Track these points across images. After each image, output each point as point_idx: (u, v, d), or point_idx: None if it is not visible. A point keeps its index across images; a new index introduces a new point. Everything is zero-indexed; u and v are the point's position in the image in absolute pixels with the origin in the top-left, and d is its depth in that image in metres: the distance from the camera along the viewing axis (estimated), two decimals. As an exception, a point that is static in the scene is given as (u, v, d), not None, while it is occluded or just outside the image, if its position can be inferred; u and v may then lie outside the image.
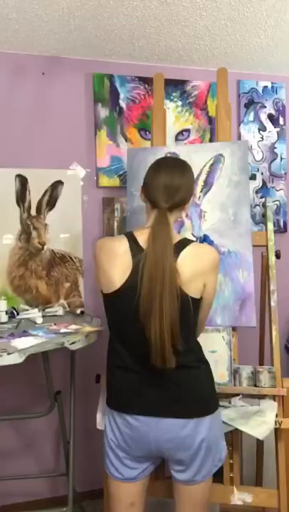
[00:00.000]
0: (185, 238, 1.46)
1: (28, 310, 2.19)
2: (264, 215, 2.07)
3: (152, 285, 1.30)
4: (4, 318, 2.01)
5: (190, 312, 1.39)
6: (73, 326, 1.87)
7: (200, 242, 1.92)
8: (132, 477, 1.48)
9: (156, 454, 1.46)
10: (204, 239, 1.93)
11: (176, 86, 2.52)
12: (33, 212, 2.31)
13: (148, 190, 1.45)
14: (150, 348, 1.32)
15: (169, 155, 2.00)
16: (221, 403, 1.78)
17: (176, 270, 1.32)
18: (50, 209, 2.34)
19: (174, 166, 1.48)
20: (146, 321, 1.31)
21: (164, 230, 1.36)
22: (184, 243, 1.41)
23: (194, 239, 1.93)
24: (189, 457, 1.41)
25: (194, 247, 1.42)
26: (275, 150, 2.69)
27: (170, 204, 1.40)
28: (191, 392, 1.42)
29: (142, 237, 1.39)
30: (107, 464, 1.50)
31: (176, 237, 1.42)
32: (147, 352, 1.34)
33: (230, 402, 1.80)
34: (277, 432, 1.80)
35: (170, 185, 1.41)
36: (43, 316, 2.08)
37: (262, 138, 2.67)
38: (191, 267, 1.37)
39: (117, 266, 1.38)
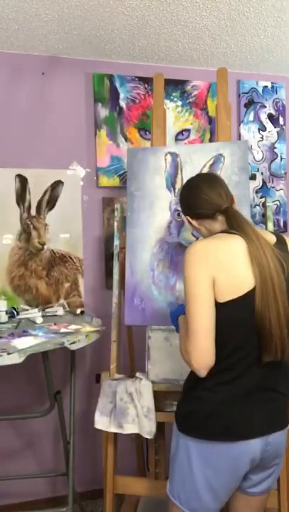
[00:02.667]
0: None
1: (28, 310, 2.19)
2: (264, 215, 2.07)
3: (269, 282, 1.26)
4: (4, 318, 2.01)
5: None
6: (73, 326, 1.87)
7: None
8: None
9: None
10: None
11: (176, 86, 2.52)
12: (33, 212, 2.32)
13: (197, 213, 1.43)
14: (269, 341, 1.26)
15: (169, 155, 2.00)
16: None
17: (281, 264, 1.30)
18: (50, 209, 2.34)
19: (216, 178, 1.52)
20: (264, 317, 1.25)
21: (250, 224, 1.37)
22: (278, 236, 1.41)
23: (194, 239, 1.93)
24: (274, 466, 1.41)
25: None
26: (275, 150, 2.69)
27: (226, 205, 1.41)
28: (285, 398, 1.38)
29: (237, 233, 1.35)
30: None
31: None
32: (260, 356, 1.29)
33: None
34: (277, 431, 1.80)
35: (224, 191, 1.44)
36: (43, 316, 2.08)
37: (262, 138, 2.67)
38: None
39: (242, 265, 1.29)
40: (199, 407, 1.31)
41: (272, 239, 1.38)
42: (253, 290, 1.25)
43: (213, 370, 1.25)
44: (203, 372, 1.25)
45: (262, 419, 1.30)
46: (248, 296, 1.25)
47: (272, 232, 1.43)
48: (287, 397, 1.37)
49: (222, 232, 1.37)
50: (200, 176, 1.56)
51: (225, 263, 1.26)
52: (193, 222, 1.45)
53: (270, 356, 1.27)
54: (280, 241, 1.38)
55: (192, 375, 1.32)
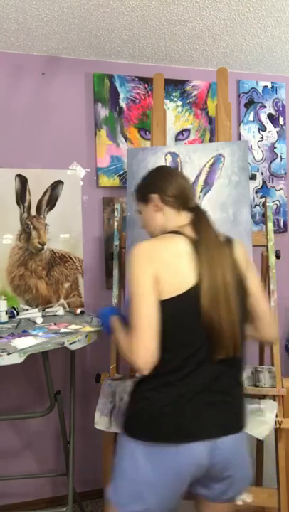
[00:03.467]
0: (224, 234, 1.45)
1: (28, 310, 2.19)
2: (264, 215, 2.07)
3: (218, 281, 1.26)
4: (4, 318, 2.01)
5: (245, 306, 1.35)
6: (73, 326, 1.87)
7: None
8: None
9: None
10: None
11: (176, 86, 2.52)
12: (33, 212, 2.32)
13: (168, 195, 1.40)
14: (219, 339, 1.24)
15: (169, 155, 2.00)
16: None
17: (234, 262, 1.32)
18: (50, 209, 2.34)
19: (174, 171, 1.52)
20: (213, 315, 1.24)
21: (208, 222, 1.38)
22: (228, 238, 1.41)
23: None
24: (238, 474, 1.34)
25: (236, 241, 1.43)
26: (275, 150, 2.69)
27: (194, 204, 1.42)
28: (241, 399, 1.35)
29: (188, 232, 1.35)
30: None
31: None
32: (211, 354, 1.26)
33: (230, 402, 1.79)
34: (277, 431, 1.80)
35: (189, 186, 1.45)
36: (43, 316, 2.08)
37: (262, 138, 2.67)
38: (242, 258, 1.37)
39: (184, 263, 1.28)
40: (144, 409, 1.26)
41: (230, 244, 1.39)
42: (196, 288, 1.23)
43: (159, 369, 1.22)
44: (146, 372, 1.21)
45: (210, 421, 1.25)
46: (191, 293, 1.23)
47: (228, 238, 1.42)
48: (242, 402, 1.33)
49: (170, 232, 1.34)
50: (171, 167, 1.57)
51: (169, 262, 1.25)
52: (155, 208, 1.40)
53: (222, 353, 1.24)
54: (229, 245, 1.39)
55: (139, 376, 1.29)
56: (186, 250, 1.27)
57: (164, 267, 1.24)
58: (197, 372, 1.24)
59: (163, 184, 1.40)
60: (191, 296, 1.23)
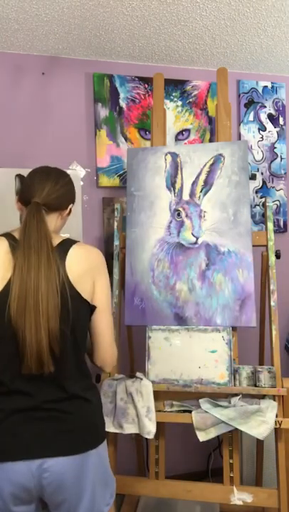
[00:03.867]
0: (68, 238, 1.34)
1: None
2: (264, 215, 2.07)
3: (23, 287, 1.17)
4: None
5: (82, 316, 1.25)
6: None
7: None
8: None
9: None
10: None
11: (176, 86, 2.52)
12: (33, 212, 2.31)
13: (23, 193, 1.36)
14: (24, 354, 1.15)
15: (169, 155, 2.00)
16: (220, 403, 1.79)
17: (59, 269, 1.21)
18: (50, 209, 2.34)
19: (47, 170, 1.45)
20: (19, 324, 1.16)
21: (39, 224, 1.25)
22: (70, 241, 1.31)
23: (194, 239, 1.93)
24: (76, 498, 1.22)
25: (80, 246, 1.31)
26: (275, 150, 2.69)
27: (44, 200, 1.30)
28: (84, 419, 1.23)
29: (18, 234, 1.28)
30: None
31: (57, 236, 1.33)
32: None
33: (230, 402, 1.80)
34: (277, 431, 1.80)
35: (45, 180, 1.34)
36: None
37: (262, 138, 2.67)
38: (80, 267, 1.26)
39: None
40: None
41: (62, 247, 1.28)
42: (3, 294, 1.17)
43: None
44: None
45: (30, 439, 1.16)
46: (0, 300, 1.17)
47: (66, 240, 1.32)
48: (78, 419, 1.21)
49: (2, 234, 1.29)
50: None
51: None
52: (18, 208, 1.38)
53: (25, 369, 1.16)
54: (63, 248, 1.28)
55: None
56: (3, 253, 1.21)
57: None
58: (15, 387, 1.18)
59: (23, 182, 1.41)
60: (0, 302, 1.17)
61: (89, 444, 1.22)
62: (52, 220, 1.35)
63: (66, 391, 1.21)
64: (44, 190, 1.32)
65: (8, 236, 1.27)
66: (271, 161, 2.69)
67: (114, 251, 2.03)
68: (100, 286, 1.29)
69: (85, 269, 1.26)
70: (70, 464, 1.17)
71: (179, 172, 1.98)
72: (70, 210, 1.43)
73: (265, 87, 2.67)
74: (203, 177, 1.96)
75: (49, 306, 1.16)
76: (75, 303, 1.21)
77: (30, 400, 1.18)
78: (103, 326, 1.30)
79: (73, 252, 1.26)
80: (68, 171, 2.37)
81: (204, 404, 1.80)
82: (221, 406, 1.78)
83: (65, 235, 1.38)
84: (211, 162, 1.96)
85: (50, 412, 1.19)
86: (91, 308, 1.27)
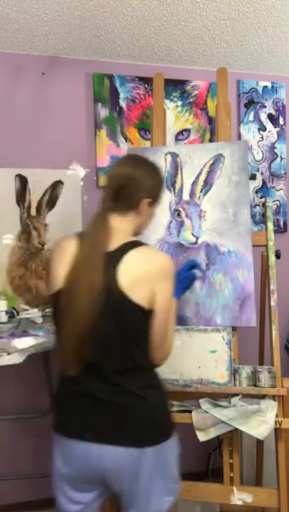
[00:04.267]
0: (135, 240, 1.29)
1: (28, 310, 2.19)
2: (264, 215, 2.07)
3: (73, 288, 1.21)
4: (4, 318, 2.01)
5: (135, 321, 1.23)
6: (73, 326, 1.87)
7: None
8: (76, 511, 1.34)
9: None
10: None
11: (176, 86, 2.52)
12: (33, 212, 2.31)
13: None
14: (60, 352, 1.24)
15: (169, 155, 2.00)
16: (220, 403, 1.79)
17: (108, 274, 1.20)
18: (50, 209, 2.34)
19: (126, 158, 1.44)
20: (63, 322, 1.23)
21: (99, 230, 1.27)
22: (130, 245, 1.25)
23: (194, 239, 1.93)
24: (132, 490, 1.28)
25: (139, 250, 1.26)
26: (275, 150, 2.69)
27: (113, 203, 1.29)
28: (139, 416, 1.26)
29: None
30: (56, 497, 1.37)
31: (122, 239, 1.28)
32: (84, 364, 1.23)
33: (230, 402, 1.80)
34: (277, 431, 1.80)
35: (117, 175, 1.32)
36: (43, 316, 2.08)
37: (262, 138, 2.67)
38: (134, 272, 1.22)
39: (64, 264, 1.25)
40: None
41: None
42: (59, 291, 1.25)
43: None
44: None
45: (91, 425, 1.25)
46: (56, 295, 1.26)
47: (130, 242, 1.27)
48: (134, 414, 1.25)
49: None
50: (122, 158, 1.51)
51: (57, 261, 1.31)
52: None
53: (63, 364, 1.26)
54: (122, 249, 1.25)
55: None
56: (70, 251, 1.26)
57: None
58: (74, 378, 1.25)
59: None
60: (56, 299, 1.26)
61: (146, 441, 1.25)
62: (129, 221, 1.33)
63: (121, 388, 1.24)
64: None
65: (80, 235, 1.30)
66: (271, 161, 2.69)
67: (114, 251, 2.03)
68: (160, 292, 1.24)
69: (140, 274, 1.23)
70: (126, 456, 1.22)
71: (179, 172, 1.98)
72: (151, 203, 1.36)
73: (265, 87, 2.67)
74: (203, 177, 1.96)
75: (84, 309, 1.19)
76: (122, 306, 1.21)
77: (86, 389, 1.25)
78: (160, 330, 1.27)
79: (129, 257, 1.22)
80: (68, 171, 2.39)
81: (204, 404, 1.80)
82: (221, 406, 1.78)
83: (134, 238, 1.32)
84: (211, 162, 1.96)
85: (106, 403, 1.24)
86: (146, 313, 1.24)
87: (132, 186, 1.29)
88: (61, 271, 1.25)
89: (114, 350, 1.23)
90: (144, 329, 1.25)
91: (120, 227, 1.29)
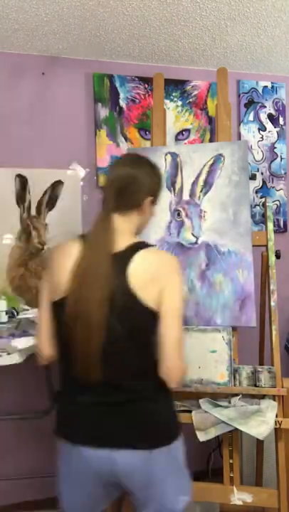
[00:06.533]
0: (142, 241, 1.28)
1: (28, 310, 2.19)
2: (264, 215, 2.07)
3: (81, 293, 1.18)
4: (4, 318, 2.01)
5: (143, 324, 1.22)
6: (73, 326, 1.87)
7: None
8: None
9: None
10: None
11: (176, 86, 2.52)
12: (33, 212, 2.31)
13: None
14: (75, 357, 1.20)
15: (169, 155, 2.00)
16: (220, 403, 1.79)
17: (118, 276, 1.18)
18: (50, 209, 2.34)
19: (125, 158, 1.43)
20: (72, 329, 1.20)
21: (104, 231, 1.25)
22: (138, 246, 1.24)
23: (194, 239, 1.93)
24: (146, 491, 1.28)
25: (147, 251, 1.24)
26: (275, 150, 2.69)
27: (115, 203, 1.27)
28: (150, 418, 1.26)
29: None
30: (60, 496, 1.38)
31: (127, 240, 1.26)
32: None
33: (230, 402, 1.80)
34: (277, 431, 1.80)
35: (117, 176, 1.29)
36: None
37: (262, 138, 2.67)
38: (143, 273, 1.21)
39: (68, 269, 1.22)
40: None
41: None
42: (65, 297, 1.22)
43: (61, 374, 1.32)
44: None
45: (99, 430, 1.23)
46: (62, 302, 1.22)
47: (137, 243, 1.26)
48: (143, 417, 1.24)
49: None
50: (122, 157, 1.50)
51: (56, 265, 1.28)
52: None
53: (76, 373, 1.20)
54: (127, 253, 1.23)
55: None
56: (73, 255, 1.23)
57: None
58: (81, 382, 1.22)
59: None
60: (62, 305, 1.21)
61: (157, 442, 1.24)
62: (131, 220, 1.31)
63: (129, 391, 1.23)
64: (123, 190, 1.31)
65: (82, 238, 1.28)
66: (271, 161, 2.69)
67: (114, 251, 2.03)
68: (168, 294, 1.21)
69: (149, 276, 1.21)
70: (138, 458, 1.22)
71: (179, 172, 1.98)
72: (152, 202, 1.35)
73: (265, 87, 2.67)
74: (203, 177, 1.96)
75: (97, 315, 1.16)
76: (133, 309, 1.19)
77: (98, 396, 1.23)
78: (168, 334, 1.21)
79: (138, 258, 1.21)
80: (68, 171, 2.39)
81: (204, 404, 1.80)
82: (221, 406, 1.78)
83: (138, 239, 1.30)
84: (211, 162, 1.96)
85: (117, 408, 1.23)
86: (157, 315, 1.21)
87: (134, 186, 1.28)
88: (64, 277, 1.21)
89: (126, 355, 1.22)
90: (155, 332, 1.22)
91: (124, 227, 1.28)
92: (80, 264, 1.20)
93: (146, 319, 1.20)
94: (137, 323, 1.20)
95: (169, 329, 1.21)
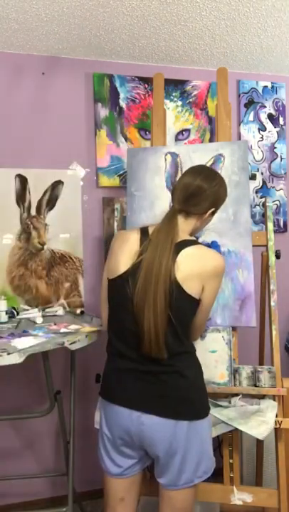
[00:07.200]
0: (193, 239, 1.52)
1: (28, 310, 2.19)
2: (264, 215, 2.07)
3: (148, 276, 1.37)
4: (4, 318, 2.01)
5: (187, 310, 1.44)
6: (73, 326, 1.87)
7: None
8: (118, 473, 1.52)
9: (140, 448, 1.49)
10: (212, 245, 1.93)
11: (176, 86, 2.52)
12: (33, 212, 2.31)
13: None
14: (143, 337, 1.38)
15: (169, 155, 2.00)
16: (220, 403, 1.79)
17: (172, 265, 1.38)
18: (50, 209, 2.34)
19: (200, 169, 1.58)
20: (140, 310, 1.38)
21: (170, 225, 1.45)
22: (189, 242, 1.46)
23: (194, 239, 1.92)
24: (167, 458, 1.43)
25: (197, 248, 1.46)
26: (275, 150, 2.69)
27: (182, 206, 1.48)
28: (178, 391, 1.43)
29: (151, 229, 1.48)
30: (100, 457, 1.56)
31: (183, 236, 1.48)
32: (138, 342, 1.41)
33: (230, 402, 1.80)
34: (277, 431, 1.80)
35: (189, 185, 1.48)
36: (43, 316, 2.08)
37: (262, 138, 2.67)
38: (190, 267, 1.41)
39: (125, 252, 1.45)
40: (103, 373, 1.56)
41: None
42: (128, 275, 1.43)
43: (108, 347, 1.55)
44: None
45: (134, 394, 1.43)
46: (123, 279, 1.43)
47: (188, 240, 1.48)
48: (174, 389, 1.42)
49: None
50: (194, 166, 1.65)
51: (115, 252, 1.52)
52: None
53: (146, 350, 1.39)
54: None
55: None
56: (132, 241, 1.47)
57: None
58: (127, 354, 1.45)
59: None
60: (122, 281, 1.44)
61: (181, 414, 1.41)
62: (190, 223, 1.51)
63: (167, 366, 1.42)
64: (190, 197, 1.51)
65: (142, 230, 1.50)
66: (271, 161, 2.69)
67: (114, 251, 2.03)
68: (209, 290, 1.45)
69: (193, 270, 1.41)
70: (161, 425, 1.40)
71: (179, 172, 1.98)
72: (214, 212, 1.55)
73: (265, 87, 2.67)
74: (203, 177, 1.95)
75: (160, 295, 1.36)
76: (177, 295, 1.38)
77: (138, 366, 1.43)
78: (202, 318, 1.53)
79: (185, 253, 1.42)
80: (68, 171, 2.39)
81: (204, 404, 1.80)
82: (221, 406, 1.78)
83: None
84: (211, 162, 1.96)
85: (153, 378, 1.43)
86: (194, 303, 1.44)
87: (202, 197, 1.48)
88: (123, 257, 1.44)
89: (168, 333, 1.39)
90: (191, 316, 1.47)
91: (183, 226, 1.48)
92: (148, 247, 1.41)
93: (186, 305, 1.42)
94: (178, 307, 1.40)
95: (203, 314, 1.51)
